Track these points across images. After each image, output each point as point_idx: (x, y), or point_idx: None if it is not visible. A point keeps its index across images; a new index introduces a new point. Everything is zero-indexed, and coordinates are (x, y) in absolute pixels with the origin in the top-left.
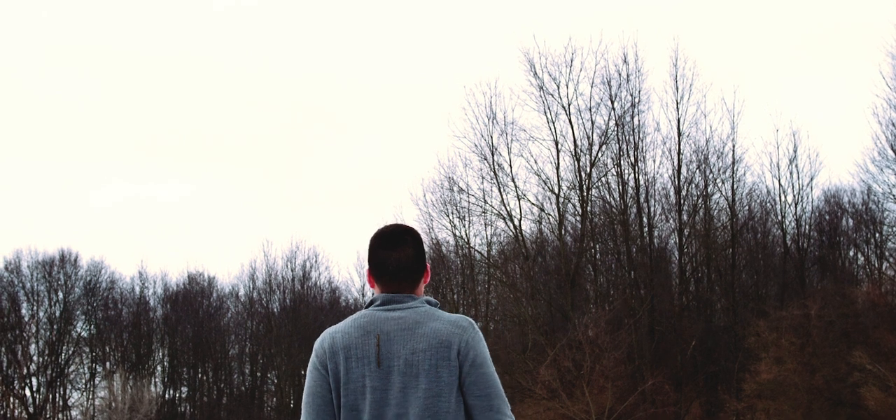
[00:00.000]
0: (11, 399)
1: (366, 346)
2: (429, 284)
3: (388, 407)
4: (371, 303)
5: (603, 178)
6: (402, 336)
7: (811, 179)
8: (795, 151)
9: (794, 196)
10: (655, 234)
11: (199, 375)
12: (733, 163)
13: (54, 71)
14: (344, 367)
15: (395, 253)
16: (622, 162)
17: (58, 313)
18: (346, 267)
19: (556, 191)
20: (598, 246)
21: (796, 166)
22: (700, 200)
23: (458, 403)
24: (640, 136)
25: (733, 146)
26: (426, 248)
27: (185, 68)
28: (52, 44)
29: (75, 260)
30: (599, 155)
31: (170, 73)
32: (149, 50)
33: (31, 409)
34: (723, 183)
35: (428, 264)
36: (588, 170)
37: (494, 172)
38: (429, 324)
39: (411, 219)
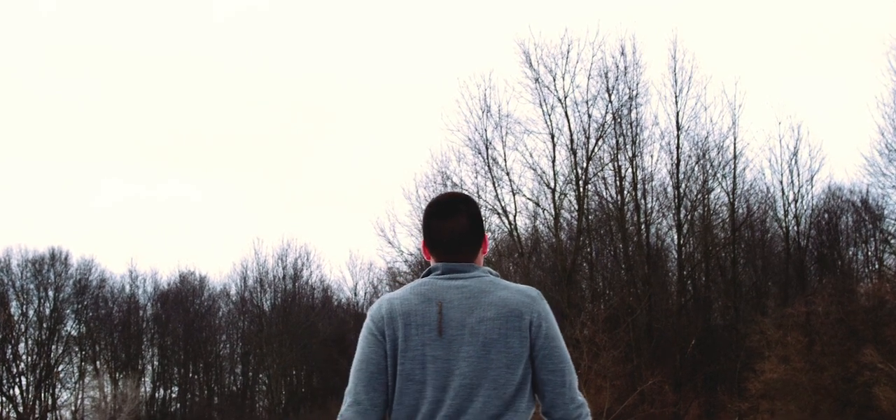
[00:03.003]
0: (0, 398)
1: (427, 314)
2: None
3: (451, 377)
4: (429, 271)
5: (599, 174)
6: (466, 304)
7: (812, 176)
8: (797, 147)
9: (795, 193)
10: (653, 230)
11: (191, 375)
12: (734, 157)
13: (54, 71)
14: (403, 335)
15: (449, 222)
16: (620, 157)
17: (47, 312)
18: (338, 266)
19: (552, 185)
20: (594, 242)
21: (797, 163)
22: (699, 196)
23: (528, 376)
24: (638, 130)
25: (734, 140)
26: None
27: (183, 68)
28: (52, 44)
29: (65, 258)
30: (596, 149)
31: (169, 73)
32: (148, 50)
33: (20, 409)
34: (724, 177)
35: (487, 234)
36: (584, 165)
37: (489, 167)
38: (496, 292)
39: (404, 214)
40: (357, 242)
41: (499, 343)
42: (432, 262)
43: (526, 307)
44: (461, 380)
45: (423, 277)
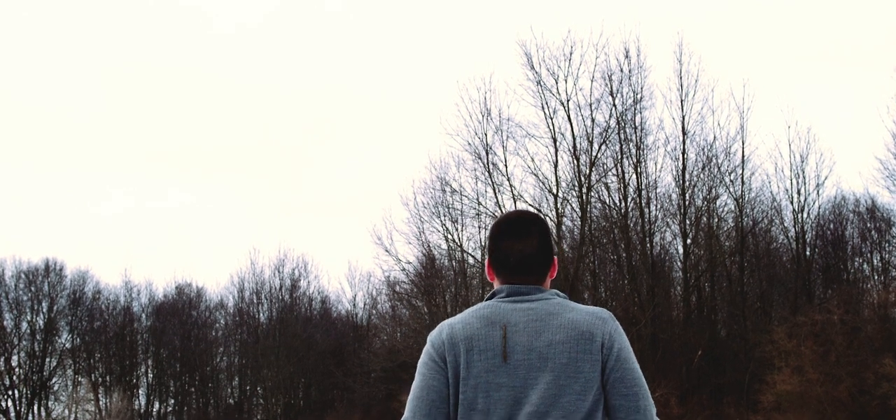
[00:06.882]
0: None
1: (490, 338)
2: (422, 290)
3: (518, 406)
4: (494, 294)
5: (603, 180)
6: (534, 327)
7: (819, 184)
8: (807, 153)
9: (803, 201)
10: (658, 238)
11: (187, 387)
12: (743, 161)
13: (48, 80)
14: (465, 361)
15: (518, 244)
16: (624, 162)
17: (41, 324)
18: (336, 277)
19: (555, 191)
20: (597, 250)
21: (803, 171)
22: (704, 204)
23: (600, 402)
24: (642, 134)
25: (743, 144)
26: (421, 254)
27: (180, 78)
28: (48, 53)
29: (60, 269)
30: (599, 154)
31: (165, 83)
32: (145, 60)
33: None
34: (732, 183)
35: (555, 257)
36: (587, 170)
37: (489, 172)
38: (565, 314)
39: (401, 221)
40: (355, 253)
41: (570, 367)
42: (496, 285)
43: (597, 328)
44: (528, 408)
45: (486, 300)
